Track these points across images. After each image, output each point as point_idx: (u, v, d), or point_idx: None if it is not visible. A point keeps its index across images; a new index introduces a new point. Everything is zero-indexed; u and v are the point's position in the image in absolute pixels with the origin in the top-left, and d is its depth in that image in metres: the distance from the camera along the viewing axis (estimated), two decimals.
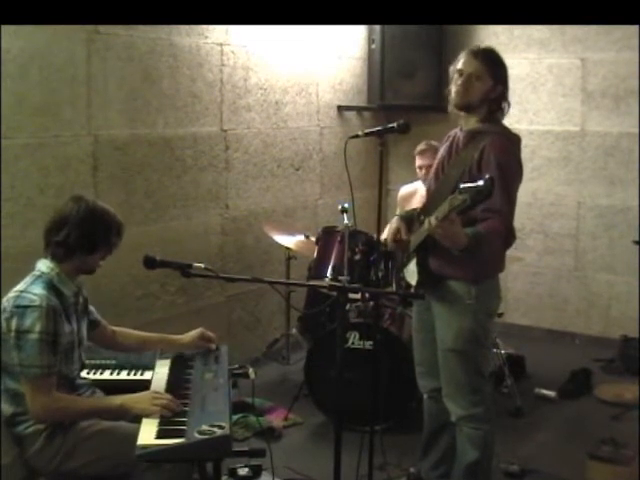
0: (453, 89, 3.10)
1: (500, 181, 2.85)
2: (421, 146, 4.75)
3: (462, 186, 2.59)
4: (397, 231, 3.20)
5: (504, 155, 2.99)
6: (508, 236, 3.05)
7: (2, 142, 3.59)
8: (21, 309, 2.58)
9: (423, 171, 4.69)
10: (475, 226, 2.88)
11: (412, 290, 3.20)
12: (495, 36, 5.99)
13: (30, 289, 2.63)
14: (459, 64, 3.09)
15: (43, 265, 2.71)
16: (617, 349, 5.38)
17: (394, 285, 3.51)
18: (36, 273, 2.70)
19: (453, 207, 2.61)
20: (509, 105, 3.14)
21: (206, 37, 4.69)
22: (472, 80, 3.05)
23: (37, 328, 2.55)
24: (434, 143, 4.59)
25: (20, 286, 2.67)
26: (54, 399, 2.60)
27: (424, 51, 5.76)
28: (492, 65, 3.08)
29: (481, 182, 2.54)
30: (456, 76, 3.09)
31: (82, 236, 2.68)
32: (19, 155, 3.69)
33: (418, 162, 4.76)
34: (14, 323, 2.57)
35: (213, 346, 3.07)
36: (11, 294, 2.65)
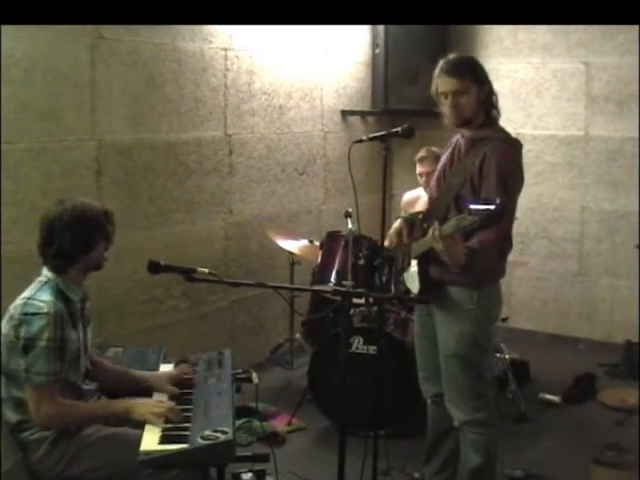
0: (446, 111, 3.08)
1: (500, 187, 2.85)
2: (421, 153, 4.71)
3: (472, 207, 2.53)
4: (400, 233, 3.19)
5: (505, 161, 2.98)
6: (504, 244, 3.04)
7: (5, 147, 3.59)
8: (29, 316, 2.57)
9: (424, 178, 4.64)
10: (469, 240, 2.84)
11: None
12: (499, 41, 6.00)
13: (37, 296, 2.62)
14: (439, 87, 3.07)
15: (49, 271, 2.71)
16: (621, 354, 5.37)
17: (393, 288, 3.49)
18: (42, 279, 2.69)
19: (460, 227, 2.60)
20: (497, 97, 3.12)
21: (210, 42, 4.69)
22: (459, 97, 3.03)
23: (45, 335, 2.55)
24: (434, 149, 4.57)
25: (27, 293, 2.66)
26: (58, 405, 2.59)
27: (428, 56, 5.70)
28: (468, 73, 3.05)
29: (493, 206, 2.50)
30: (442, 98, 3.08)
31: (75, 239, 2.66)
32: (22, 159, 3.69)
33: (418, 169, 4.72)
34: (22, 331, 2.56)
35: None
36: (18, 301, 2.64)
